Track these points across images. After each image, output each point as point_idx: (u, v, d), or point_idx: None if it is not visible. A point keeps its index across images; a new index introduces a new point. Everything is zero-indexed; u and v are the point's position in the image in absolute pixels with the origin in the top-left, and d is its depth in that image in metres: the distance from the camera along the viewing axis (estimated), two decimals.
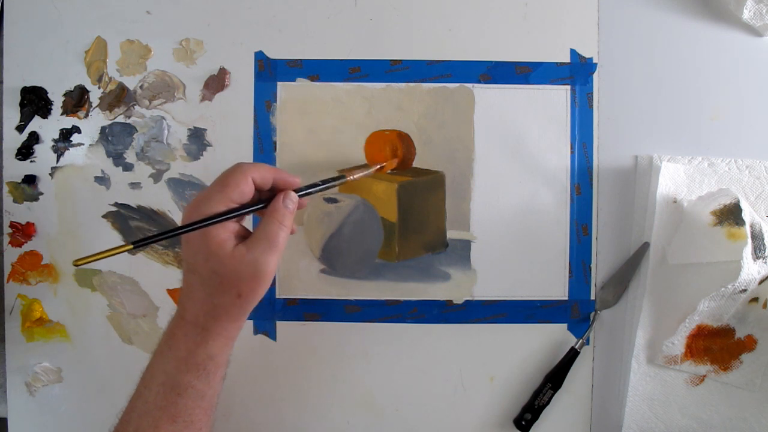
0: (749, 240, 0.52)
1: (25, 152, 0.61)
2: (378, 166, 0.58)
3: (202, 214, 0.44)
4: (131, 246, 0.43)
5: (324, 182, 0.51)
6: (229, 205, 0.45)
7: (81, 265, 0.41)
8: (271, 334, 0.61)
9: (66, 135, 0.61)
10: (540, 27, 0.61)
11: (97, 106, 0.61)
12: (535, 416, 0.59)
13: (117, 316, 0.62)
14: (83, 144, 0.61)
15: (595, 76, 0.61)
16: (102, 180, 0.61)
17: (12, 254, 0.61)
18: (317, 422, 0.61)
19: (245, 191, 0.45)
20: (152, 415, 0.45)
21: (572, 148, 0.61)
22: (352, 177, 0.53)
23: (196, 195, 0.47)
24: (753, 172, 0.60)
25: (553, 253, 0.61)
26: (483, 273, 0.61)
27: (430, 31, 0.61)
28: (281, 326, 0.61)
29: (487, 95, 0.61)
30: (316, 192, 0.50)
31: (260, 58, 0.61)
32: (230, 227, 0.45)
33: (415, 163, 0.61)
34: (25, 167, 0.61)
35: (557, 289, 0.61)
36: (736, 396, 0.58)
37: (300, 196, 0.48)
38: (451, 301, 0.61)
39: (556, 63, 0.61)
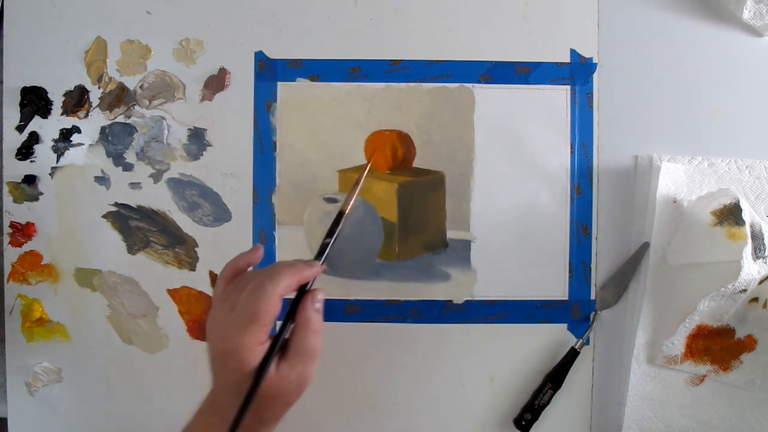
0: (749, 240, 0.52)
1: (25, 152, 0.61)
2: (365, 173, 0.54)
3: (240, 348, 0.43)
4: None
5: (330, 233, 0.50)
6: (264, 332, 0.44)
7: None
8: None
9: (66, 135, 0.61)
10: (540, 27, 0.61)
11: (97, 106, 0.61)
12: (535, 416, 0.59)
13: (117, 316, 0.62)
14: (83, 144, 0.61)
15: (595, 76, 0.61)
16: (102, 180, 0.61)
17: (12, 254, 0.61)
18: (317, 422, 0.61)
19: (276, 313, 0.45)
20: None
21: (572, 148, 0.61)
22: (347, 207, 0.51)
23: (219, 329, 0.45)
24: (753, 172, 0.60)
25: (553, 253, 0.61)
26: (483, 273, 0.61)
27: (430, 31, 0.61)
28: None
29: (487, 95, 0.61)
30: (330, 245, 0.50)
31: (260, 58, 0.61)
32: (265, 347, 0.44)
33: (415, 163, 0.61)
34: (25, 167, 0.61)
35: (557, 289, 0.61)
36: (736, 396, 0.58)
37: (323, 267, 0.49)
38: (451, 301, 0.61)
39: (556, 63, 0.61)
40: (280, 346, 0.45)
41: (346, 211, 0.51)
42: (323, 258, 0.49)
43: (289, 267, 0.47)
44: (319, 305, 0.47)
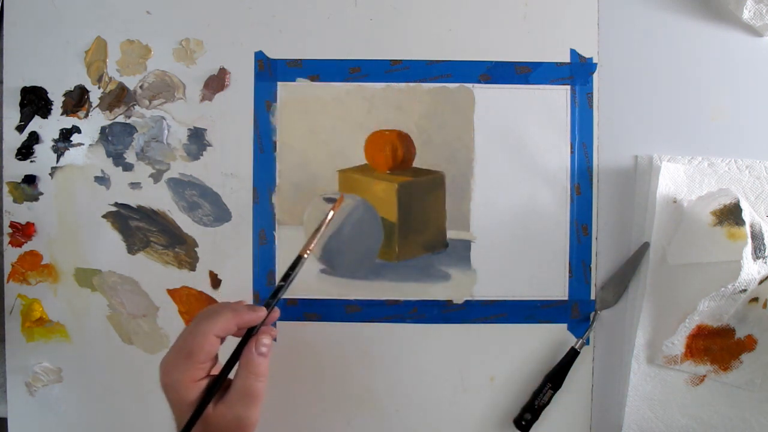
0: (749, 240, 0.52)
1: (25, 152, 0.61)
2: (328, 219, 0.53)
3: (182, 384, 0.45)
4: None
5: (285, 278, 0.50)
6: (200, 374, 0.45)
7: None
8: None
9: (66, 135, 0.61)
10: (540, 27, 0.61)
11: (97, 106, 0.61)
12: (535, 416, 0.59)
13: (117, 316, 0.62)
14: (83, 144, 0.61)
15: (595, 76, 0.61)
16: (102, 180, 0.61)
17: (12, 254, 0.61)
18: (317, 422, 0.61)
19: (211, 351, 0.46)
20: None
21: (572, 148, 0.61)
22: (308, 251, 0.51)
23: (163, 363, 0.46)
24: (753, 172, 0.60)
25: (553, 253, 0.61)
26: (483, 273, 0.61)
27: (430, 31, 0.61)
28: (281, 326, 0.61)
29: (487, 95, 0.61)
30: (282, 294, 0.49)
31: (260, 58, 0.61)
32: (203, 384, 0.45)
33: (415, 163, 0.61)
34: (25, 167, 0.61)
35: (557, 289, 0.61)
36: (736, 396, 0.58)
37: (269, 311, 0.48)
38: (451, 301, 0.61)
39: (556, 63, 0.61)
40: (221, 385, 0.46)
41: (305, 255, 0.51)
42: (274, 302, 0.49)
43: (229, 309, 0.47)
44: (264, 349, 0.47)
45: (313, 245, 0.52)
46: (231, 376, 0.47)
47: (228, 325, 0.46)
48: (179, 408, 0.45)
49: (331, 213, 0.53)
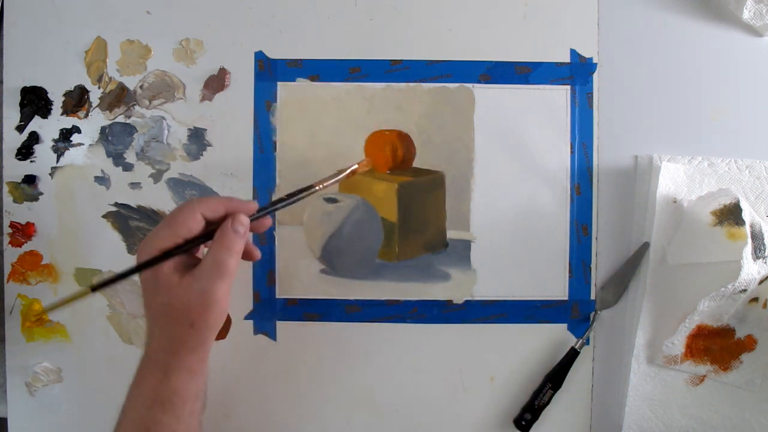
0: (749, 240, 0.52)
1: (25, 152, 0.61)
2: (350, 170, 0.54)
3: (152, 251, 0.45)
4: (89, 291, 0.46)
5: (289, 196, 0.50)
6: (176, 240, 0.45)
7: (49, 311, 0.48)
8: (271, 334, 0.61)
9: (66, 135, 0.61)
10: (540, 27, 0.61)
11: (97, 106, 0.61)
12: (535, 416, 0.59)
13: (117, 316, 0.62)
14: (83, 144, 0.61)
15: (595, 76, 0.61)
16: (102, 180, 0.61)
17: (12, 254, 0.61)
18: (317, 422, 0.61)
19: (192, 227, 0.46)
20: None
21: (572, 148, 0.61)
22: (321, 186, 0.51)
23: (148, 234, 0.47)
24: (753, 172, 0.60)
25: (553, 253, 0.61)
26: (483, 273, 0.61)
27: (430, 31, 0.61)
28: (281, 326, 0.61)
29: (487, 95, 0.61)
30: (279, 208, 0.49)
31: (260, 58, 0.61)
32: (177, 260, 0.45)
33: (415, 163, 0.61)
34: (25, 167, 0.61)
35: (557, 289, 0.61)
36: (736, 396, 0.58)
37: (260, 215, 0.48)
38: (451, 301, 0.61)
39: (556, 63, 0.61)
40: (182, 250, 0.45)
41: (317, 187, 0.51)
42: (268, 208, 0.49)
43: (221, 196, 0.48)
44: (240, 228, 0.46)
45: (328, 184, 0.52)
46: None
47: (216, 206, 0.47)
48: (144, 278, 0.45)
49: (355, 166, 0.54)
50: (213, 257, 0.45)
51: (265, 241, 0.61)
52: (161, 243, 0.45)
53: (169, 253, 0.45)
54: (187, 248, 0.46)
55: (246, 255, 0.50)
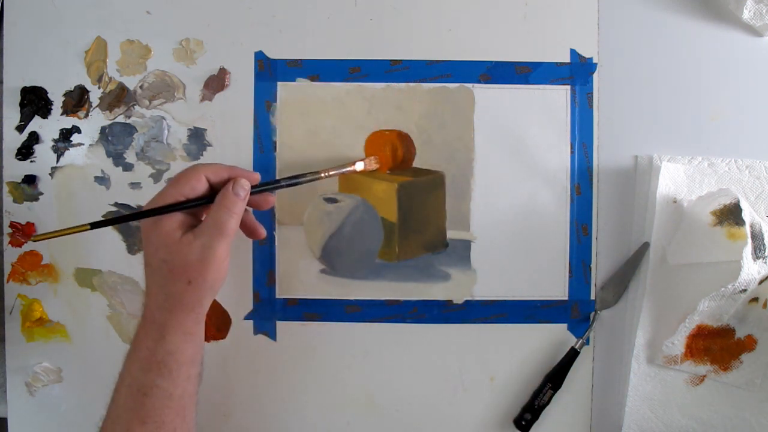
0: (749, 240, 0.52)
1: (25, 152, 0.61)
2: (357, 166, 0.57)
3: (151, 205, 0.47)
4: (89, 226, 0.48)
5: (291, 178, 0.52)
6: (179, 199, 0.47)
7: (39, 240, 0.50)
8: (271, 334, 0.61)
9: (66, 135, 0.61)
10: (540, 27, 0.61)
11: (97, 106, 0.61)
12: (535, 416, 0.59)
13: (117, 316, 0.62)
14: (83, 144, 0.61)
15: (595, 76, 0.61)
16: (102, 180, 0.61)
17: (12, 254, 0.61)
18: (317, 422, 0.61)
19: (196, 187, 0.48)
20: (123, 418, 0.46)
21: (572, 148, 0.61)
22: (327, 174, 0.54)
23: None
24: (753, 172, 0.60)
25: (553, 253, 0.61)
26: (483, 273, 0.61)
27: (430, 31, 0.61)
28: (281, 326, 0.61)
29: (487, 95, 0.61)
30: (281, 187, 0.52)
31: (260, 58, 0.61)
32: (179, 218, 0.47)
33: (415, 163, 0.61)
34: (25, 167, 0.61)
35: (557, 289, 0.61)
36: (736, 396, 0.58)
37: (261, 189, 0.50)
38: (451, 301, 0.61)
39: (556, 63, 0.61)
40: (181, 207, 0.47)
41: (322, 175, 0.54)
42: (272, 184, 0.52)
43: (226, 164, 0.50)
44: (240, 190, 0.48)
45: (333, 173, 0.55)
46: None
47: (220, 171, 0.49)
48: (145, 229, 0.47)
49: (362, 164, 0.57)
50: (213, 217, 0.47)
51: (265, 241, 0.61)
52: (166, 200, 0.47)
53: (172, 206, 0.46)
54: (189, 206, 0.47)
55: (251, 232, 0.53)
